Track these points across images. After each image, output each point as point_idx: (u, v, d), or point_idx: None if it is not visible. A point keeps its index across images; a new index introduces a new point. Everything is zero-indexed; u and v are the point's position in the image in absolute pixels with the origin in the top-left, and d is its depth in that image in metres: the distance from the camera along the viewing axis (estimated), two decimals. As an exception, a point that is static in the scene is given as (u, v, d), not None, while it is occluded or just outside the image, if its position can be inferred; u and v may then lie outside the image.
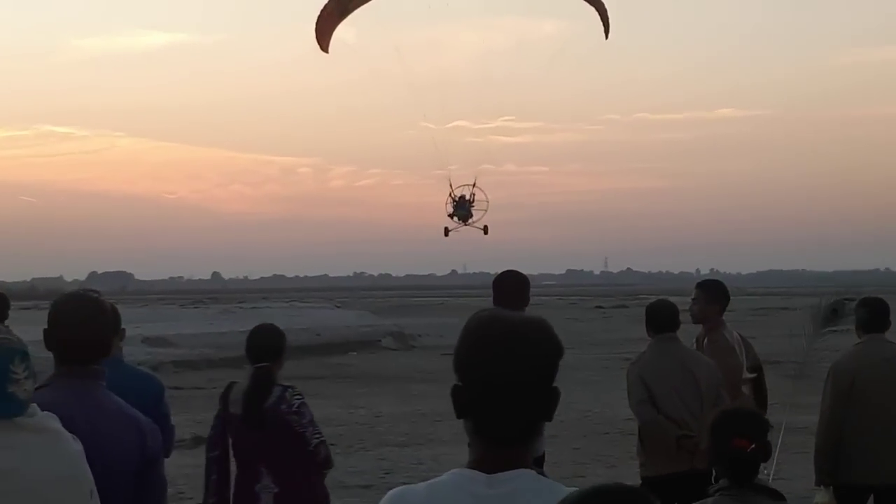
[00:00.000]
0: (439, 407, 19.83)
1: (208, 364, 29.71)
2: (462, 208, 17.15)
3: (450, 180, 17.10)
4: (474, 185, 17.19)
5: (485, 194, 17.31)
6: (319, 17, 14.48)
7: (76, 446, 3.32)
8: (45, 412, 3.26)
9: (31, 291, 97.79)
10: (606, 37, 13.52)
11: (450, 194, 17.07)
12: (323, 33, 14.63)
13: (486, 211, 17.46)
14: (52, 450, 3.22)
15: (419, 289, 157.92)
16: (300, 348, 28.08)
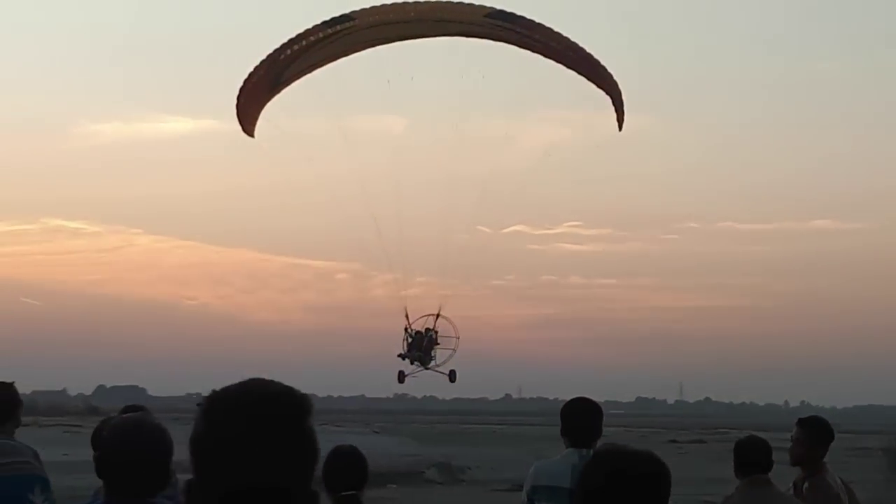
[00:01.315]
0: (490, 552, 19.64)
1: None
2: (417, 349, 14.76)
3: (406, 309, 14.63)
4: (438, 316, 14.71)
5: (454, 327, 14.95)
6: (243, 90, 12.67)
7: None
8: None
9: (31, 406, 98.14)
10: (620, 128, 13.04)
11: (406, 328, 14.78)
12: (248, 112, 12.80)
13: (454, 350, 15.09)
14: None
15: (468, 414, 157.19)
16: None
